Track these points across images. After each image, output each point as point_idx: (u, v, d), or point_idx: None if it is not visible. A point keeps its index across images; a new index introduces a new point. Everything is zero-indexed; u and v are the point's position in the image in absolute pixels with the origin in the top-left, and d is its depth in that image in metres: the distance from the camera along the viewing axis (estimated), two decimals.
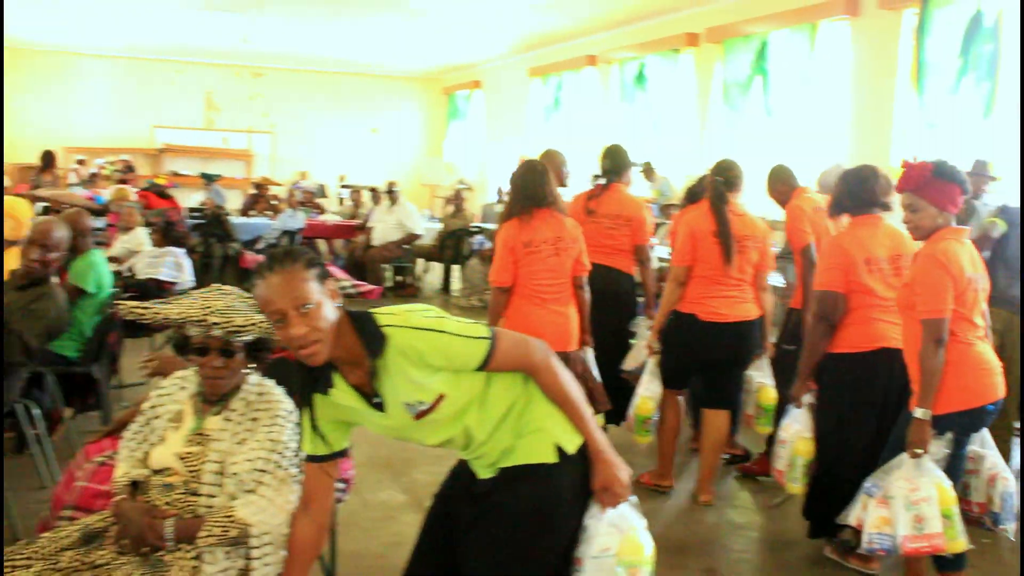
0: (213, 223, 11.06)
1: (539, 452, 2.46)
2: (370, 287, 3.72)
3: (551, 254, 4.84)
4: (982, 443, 3.95)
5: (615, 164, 5.89)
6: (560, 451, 2.47)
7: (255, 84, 19.42)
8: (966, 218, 5.04)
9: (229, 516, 2.62)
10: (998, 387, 3.77)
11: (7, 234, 5.26)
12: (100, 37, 16.44)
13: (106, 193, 10.93)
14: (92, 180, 13.27)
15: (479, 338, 2.38)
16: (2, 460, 4.21)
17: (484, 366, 2.39)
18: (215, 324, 2.74)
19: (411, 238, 11.51)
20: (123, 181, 12.70)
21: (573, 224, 5.04)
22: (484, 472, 2.55)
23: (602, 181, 5.91)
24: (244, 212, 13.51)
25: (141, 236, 8.20)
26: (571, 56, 13.98)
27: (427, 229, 12.14)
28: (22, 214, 5.36)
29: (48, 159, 12.96)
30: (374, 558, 4.29)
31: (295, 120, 19.38)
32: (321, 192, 16.53)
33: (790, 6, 9.18)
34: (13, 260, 5.01)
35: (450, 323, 2.38)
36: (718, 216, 4.96)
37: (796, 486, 4.44)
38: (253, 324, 2.75)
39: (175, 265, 6.95)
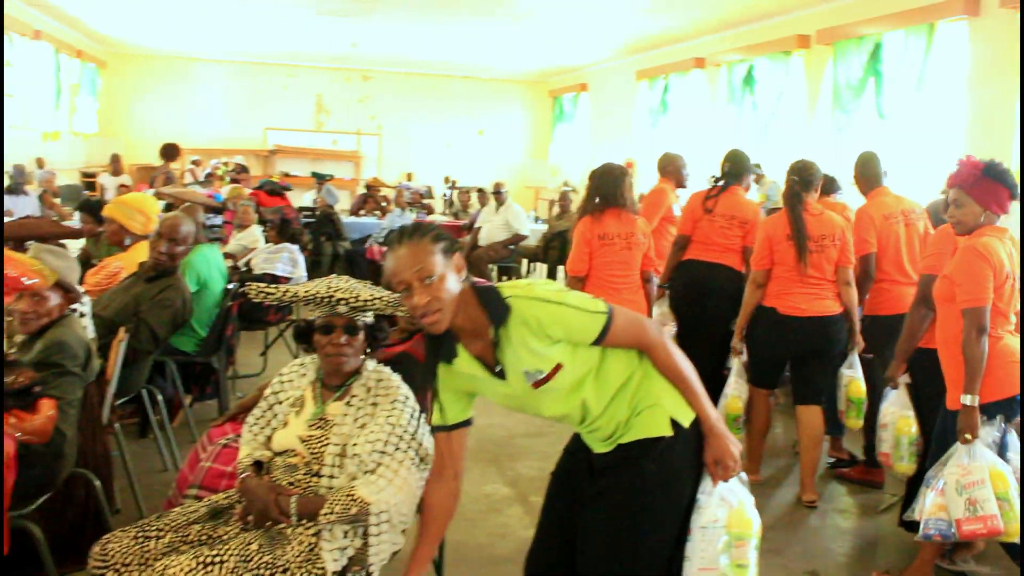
0: (324, 222, 11.32)
1: (656, 426, 2.52)
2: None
3: (623, 248, 5.33)
4: None
5: (735, 168, 6.08)
6: (675, 424, 2.53)
7: (364, 87, 19.76)
8: None
9: (350, 495, 2.71)
10: None
11: (138, 229, 5.49)
12: (216, 43, 16.95)
13: (223, 192, 11.25)
14: (208, 180, 13.66)
15: (597, 312, 2.45)
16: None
17: (601, 339, 2.46)
18: (341, 300, 2.85)
19: (517, 239, 11.57)
20: (236, 181, 13.07)
21: (644, 223, 5.54)
22: (599, 446, 2.61)
23: (721, 183, 6.05)
24: (354, 212, 13.78)
25: (256, 233, 8.44)
26: (678, 59, 13.89)
27: (533, 230, 12.18)
28: (150, 210, 5.58)
29: (172, 151, 13.43)
30: (478, 548, 4.38)
31: (402, 122, 19.67)
32: (428, 193, 16.74)
33: (906, 6, 8.96)
34: (142, 253, 5.23)
35: (571, 296, 2.46)
36: (793, 218, 5.07)
37: (904, 464, 4.45)
38: (377, 299, 2.85)
39: (290, 261, 7.14)
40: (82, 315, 3.73)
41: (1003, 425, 3.83)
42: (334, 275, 3.21)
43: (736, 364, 5.36)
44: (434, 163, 19.23)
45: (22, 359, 3.11)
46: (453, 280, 2.38)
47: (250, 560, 2.63)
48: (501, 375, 2.48)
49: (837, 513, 5.14)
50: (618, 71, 16.31)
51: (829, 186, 6.14)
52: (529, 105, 20.48)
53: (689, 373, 2.56)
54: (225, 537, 2.78)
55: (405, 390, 2.97)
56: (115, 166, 14.77)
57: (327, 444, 2.86)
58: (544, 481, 2.86)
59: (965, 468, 3.72)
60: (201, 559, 2.59)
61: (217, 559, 2.60)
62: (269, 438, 3.02)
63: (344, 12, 12.71)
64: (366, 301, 2.89)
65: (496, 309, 2.41)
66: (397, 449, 2.80)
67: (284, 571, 2.64)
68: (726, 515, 2.54)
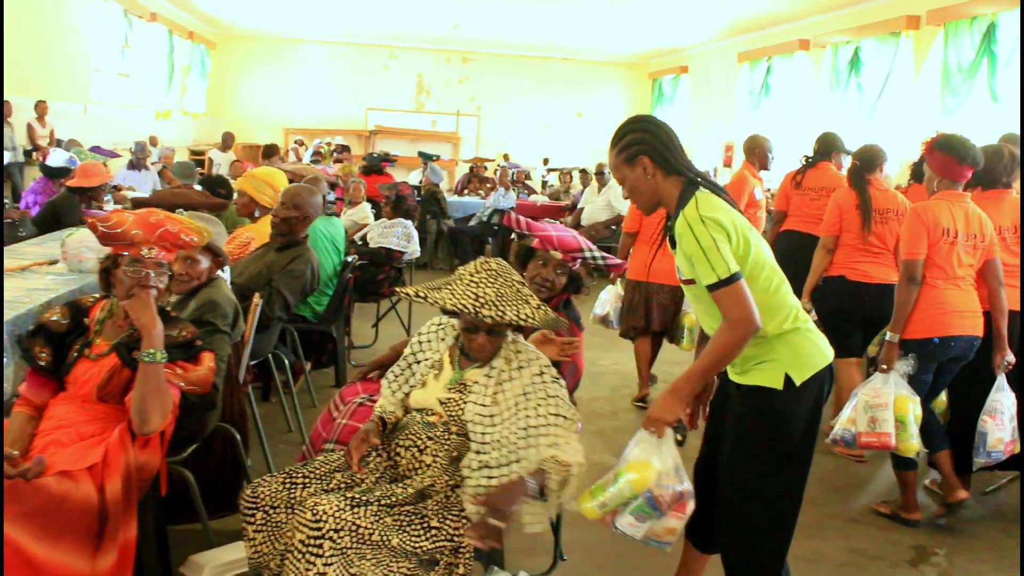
0: (430, 200, 11.55)
1: (769, 378, 2.86)
2: (617, 261, 3.97)
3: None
4: (996, 388, 4.50)
5: (823, 147, 6.67)
6: (788, 380, 2.84)
7: (464, 68, 20.00)
8: None
9: (561, 463, 2.88)
10: (948, 326, 4.35)
11: (267, 202, 5.73)
12: (320, 24, 17.33)
13: (333, 169, 11.55)
14: (315, 159, 14.03)
15: (715, 271, 2.72)
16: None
17: (709, 290, 2.76)
18: (487, 316, 2.90)
19: (618, 219, 11.60)
20: (339, 160, 13.39)
21: None
22: (732, 373, 3.02)
23: (809, 160, 6.64)
24: (458, 191, 14.02)
25: (366, 209, 8.69)
26: (782, 40, 13.79)
27: None
28: (279, 184, 5.79)
29: (271, 151, 13.85)
30: None
31: (501, 103, 19.87)
32: (528, 175, 16.92)
33: None
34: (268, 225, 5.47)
35: (713, 246, 2.72)
36: (859, 191, 5.52)
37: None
38: (521, 318, 2.91)
39: (404, 236, 7.33)
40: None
41: (913, 361, 4.37)
42: (485, 264, 3.09)
43: None
44: (531, 144, 19.38)
45: (181, 316, 3.33)
46: (640, 180, 2.90)
47: (393, 506, 2.80)
48: (674, 248, 2.93)
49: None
50: (719, 53, 16.25)
51: None
52: (628, 87, 20.50)
53: (715, 358, 2.81)
54: (365, 484, 2.95)
55: (544, 360, 3.10)
56: (225, 143, 15.26)
57: (465, 405, 3.00)
58: None
59: (876, 392, 4.35)
60: (348, 499, 2.76)
61: (363, 501, 2.77)
62: (407, 394, 3.17)
63: None
64: (510, 320, 2.94)
65: (676, 211, 2.85)
66: (567, 418, 3.01)
67: (422, 518, 2.80)
68: (633, 457, 2.84)
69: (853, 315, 5.49)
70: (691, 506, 2.82)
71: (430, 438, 3.00)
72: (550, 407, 2.98)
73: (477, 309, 2.90)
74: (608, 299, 6.52)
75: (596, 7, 13.37)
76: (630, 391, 6.58)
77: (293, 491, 2.90)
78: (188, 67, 17.23)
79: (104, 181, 6.78)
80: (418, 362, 3.20)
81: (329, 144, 15.63)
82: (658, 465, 2.78)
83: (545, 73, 20.01)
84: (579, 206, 12.10)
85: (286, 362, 5.26)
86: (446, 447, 2.99)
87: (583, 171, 13.28)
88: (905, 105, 10.86)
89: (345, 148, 15.83)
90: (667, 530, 2.80)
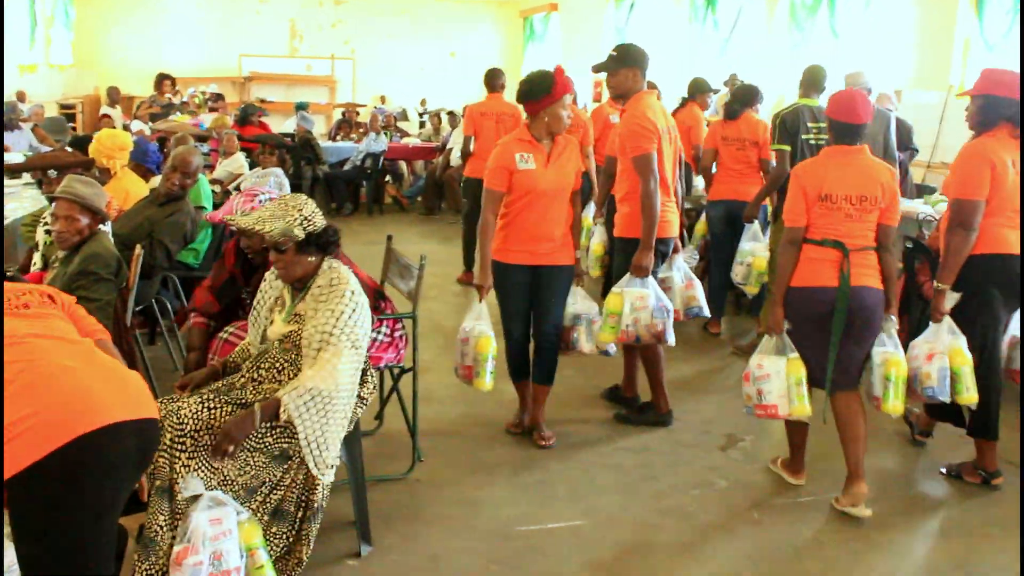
0: (304, 147, 11.79)
1: None
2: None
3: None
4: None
5: (693, 89, 8.14)
6: None
7: (337, 11, 19.97)
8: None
9: (300, 390, 3.22)
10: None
11: (103, 163, 6.17)
12: None
13: (206, 120, 11.64)
14: (182, 108, 14.02)
15: None
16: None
17: None
18: (256, 231, 3.40)
19: None
20: (213, 110, 13.46)
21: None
22: None
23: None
24: (332, 137, 14.24)
25: (240, 160, 8.92)
26: None
27: None
28: (111, 145, 6.25)
29: (163, 78, 13.94)
30: (449, 423, 5.18)
31: (376, 46, 19.91)
32: (403, 116, 17.11)
33: None
34: (125, 182, 5.92)
35: None
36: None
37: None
38: (279, 231, 3.34)
39: (277, 184, 7.62)
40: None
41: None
42: (281, 199, 3.56)
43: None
44: (407, 86, 19.52)
45: (68, 269, 3.70)
46: None
47: (245, 406, 3.29)
48: None
49: None
50: None
51: (752, 98, 7.22)
52: (501, 26, 20.75)
53: None
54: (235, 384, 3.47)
55: (354, 285, 3.43)
56: (112, 98, 15.11)
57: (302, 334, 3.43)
58: None
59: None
60: (204, 400, 3.25)
61: (219, 402, 3.26)
62: (264, 332, 3.60)
63: None
64: (259, 231, 3.39)
65: None
66: (332, 335, 3.30)
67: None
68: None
69: None
70: None
71: (287, 361, 3.44)
72: (325, 323, 3.30)
73: (253, 226, 3.37)
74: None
75: None
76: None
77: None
78: (52, 18, 16.87)
79: None
80: (263, 303, 3.62)
81: (203, 93, 15.58)
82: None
83: (418, 14, 20.10)
84: (448, 147, 12.47)
85: (169, 307, 5.61)
86: (299, 366, 3.41)
87: (451, 113, 13.61)
88: (757, 40, 11.44)
89: (219, 97, 15.82)
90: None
